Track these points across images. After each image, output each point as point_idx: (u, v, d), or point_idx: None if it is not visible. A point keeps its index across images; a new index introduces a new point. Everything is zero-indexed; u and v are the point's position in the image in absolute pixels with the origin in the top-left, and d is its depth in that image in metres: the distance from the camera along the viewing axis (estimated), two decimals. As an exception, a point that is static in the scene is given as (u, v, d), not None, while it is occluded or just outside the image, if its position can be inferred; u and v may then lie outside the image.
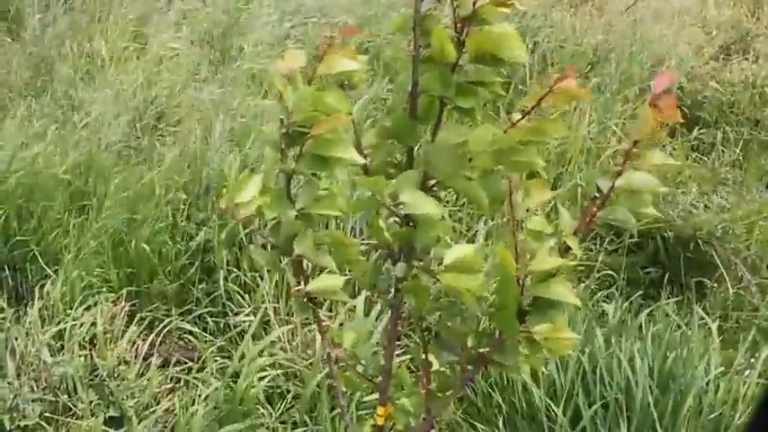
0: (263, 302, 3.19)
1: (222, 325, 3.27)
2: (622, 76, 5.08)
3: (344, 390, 1.48)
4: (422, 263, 1.28)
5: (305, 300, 1.30)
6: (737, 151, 4.74)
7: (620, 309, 3.10)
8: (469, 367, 1.36)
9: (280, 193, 1.21)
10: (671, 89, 1.24)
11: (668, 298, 3.37)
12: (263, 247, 1.30)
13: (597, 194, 1.23)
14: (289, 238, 1.21)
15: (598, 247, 3.59)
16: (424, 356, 1.44)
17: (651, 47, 5.89)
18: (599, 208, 1.22)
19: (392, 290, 1.36)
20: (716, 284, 3.55)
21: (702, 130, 4.96)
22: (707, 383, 2.51)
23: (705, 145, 4.90)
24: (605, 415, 2.55)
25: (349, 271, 1.34)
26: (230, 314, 3.26)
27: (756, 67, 5.68)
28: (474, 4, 1.15)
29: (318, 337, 2.60)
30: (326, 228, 2.33)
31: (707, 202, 3.89)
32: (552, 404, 2.63)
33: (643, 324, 2.88)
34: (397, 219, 1.28)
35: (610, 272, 3.41)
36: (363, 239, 3.00)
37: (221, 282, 3.31)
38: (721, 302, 3.35)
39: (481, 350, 1.32)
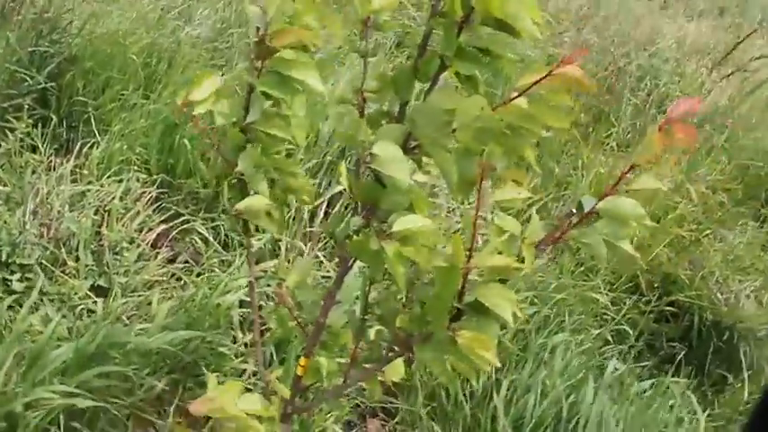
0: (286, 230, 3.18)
1: (236, 242, 3.28)
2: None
3: (261, 323, 1.42)
4: (378, 224, 1.20)
5: (238, 218, 1.25)
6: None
7: (625, 368, 2.92)
8: (395, 349, 1.28)
9: (235, 102, 1.15)
10: (690, 118, 1.10)
11: (687, 377, 3.17)
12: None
13: (575, 211, 1.11)
14: (234, 150, 1.16)
15: (629, 301, 3.40)
16: (360, 321, 1.37)
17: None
18: (572, 226, 1.11)
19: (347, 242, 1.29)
20: (739, 384, 3.30)
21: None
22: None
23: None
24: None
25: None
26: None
27: None
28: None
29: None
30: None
31: (762, 299, 3.60)
32: (513, 433, 2.52)
33: (632, 394, 2.72)
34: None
35: (628, 328, 3.22)
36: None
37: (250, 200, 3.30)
38: (734, 403, 3.11)
39: (410, 334, 1.23)
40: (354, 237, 1.20)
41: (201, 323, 2.46)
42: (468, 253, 1.08)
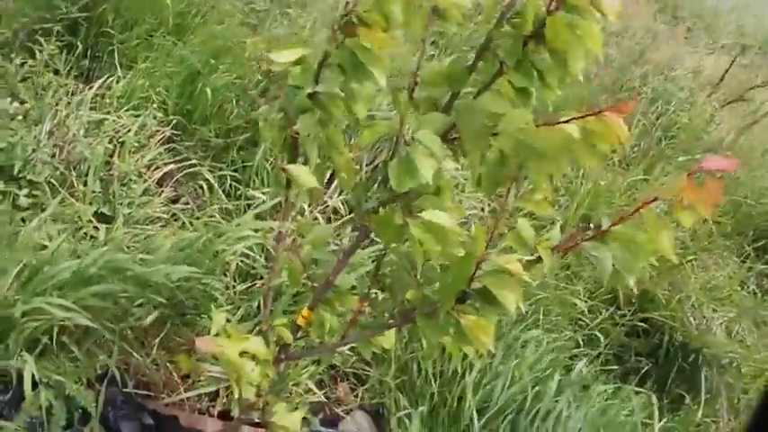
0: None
1: (239, 194, 3.35)
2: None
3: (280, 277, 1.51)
4: (404, 202, 1.28)
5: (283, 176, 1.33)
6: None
7: (590, 370, 3.06)
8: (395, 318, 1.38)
9: (308, 68, 1.23)
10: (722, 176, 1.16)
11: (647, 390, 3.30)
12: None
13: (592, 225, 1.20)
14: (297, 110, 1.23)
15: (605, 311, 3.52)
16: (367, 288, 1.47)
17: None
18: (587, 239, 1.20)
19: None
20: (695, 406, 3.45)
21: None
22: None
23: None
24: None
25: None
26: (250, 188, 3.34)
27: None
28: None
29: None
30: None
31: (733, 330, 3.75)
32: (477, 416, 2.65)
33: (593, 395, 2.85)
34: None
35: (600, 335, 3.35)
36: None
37: (258, 155, 3.37)
38: (687, 422, 3.26)
39: (413, 308, 1.33)
40: (380, 209, 1.29)
41: (200, 266, 2.53)
42: (486, 244, 1.17)
